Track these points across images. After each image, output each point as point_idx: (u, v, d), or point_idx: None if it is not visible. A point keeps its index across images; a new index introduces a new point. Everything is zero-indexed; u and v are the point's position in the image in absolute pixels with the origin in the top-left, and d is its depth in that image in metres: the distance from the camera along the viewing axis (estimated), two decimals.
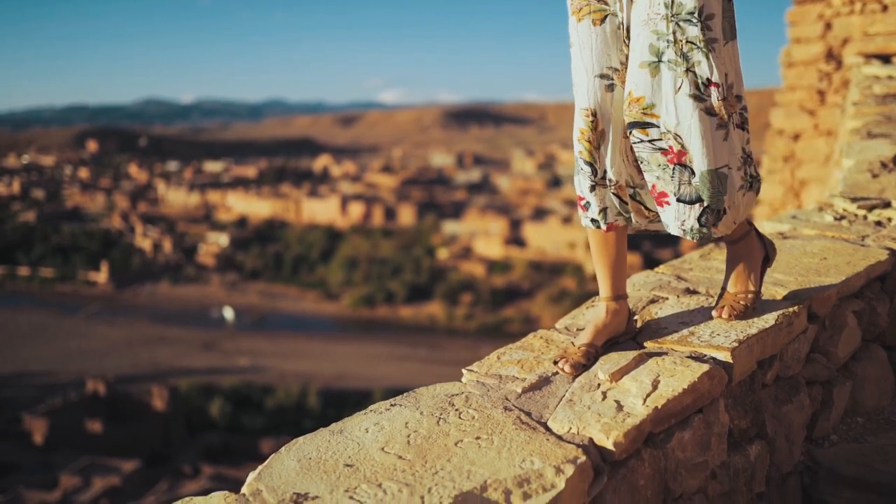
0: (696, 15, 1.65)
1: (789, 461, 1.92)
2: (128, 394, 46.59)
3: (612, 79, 1.77)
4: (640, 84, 1.68)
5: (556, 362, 1.79)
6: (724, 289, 1.94)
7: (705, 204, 1.72)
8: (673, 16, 1.66)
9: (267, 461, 1.54)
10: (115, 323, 68.86)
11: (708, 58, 1.66)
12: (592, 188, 1.82)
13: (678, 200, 1.73)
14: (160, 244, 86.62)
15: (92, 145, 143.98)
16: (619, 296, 1.91)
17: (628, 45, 1.76)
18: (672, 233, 1.79)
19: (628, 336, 1.93)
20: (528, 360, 1.87)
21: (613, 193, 1.83)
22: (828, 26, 5.92)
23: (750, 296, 1.89)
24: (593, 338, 1.85)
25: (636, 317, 2.01)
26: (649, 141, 1.70)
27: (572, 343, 1.88)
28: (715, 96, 1.67)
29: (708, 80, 1.67)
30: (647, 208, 1.87)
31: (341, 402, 48.89)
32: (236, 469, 35.94)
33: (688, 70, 1.66)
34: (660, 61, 1.67)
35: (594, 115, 1.76)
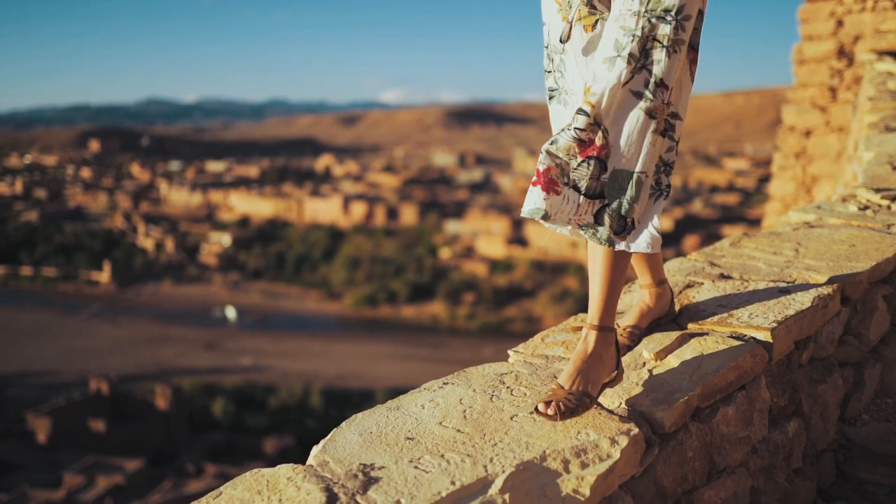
0: (672, 13, 1.57)
1: (824, 439, 1.99)
2: (131, 393, 46.68)
3: None
4: (597, 77, 1.60)
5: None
6: (559, 384, 1.61)
7: (605, 202, 1.61)
8: (646, 11, 1.57)
9: (329, 435, 1.60)
10: (117, 322, 68.96)
11: (669, 58, 1.58)
12: None
13: (584, 194, 1.60)
14: (162, 244, 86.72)
15: (94, 145, 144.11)
16: (661, 281, 1.94)
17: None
18: (563, 227, 1.66)
19: (669, 318, 1.97)
20: (572, 341, 1.94)
21: None
22: (839, 23, 5.97)
23: (586, 399, 1.57)
24: (638, 320, 1.90)
25: (673, 300, 2.07)
26: (575, 128, 1.59)
27: (617, 325, 1.91)
28: (661, 99, 1.59)
29: (661, 80, 1.58)
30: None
31: (344, 402, 48.97)
32: (239, 468, 35.93)
33: (643, 67, 1.58)
34: (618, 56, 1.58)
35: None
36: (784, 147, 6.58)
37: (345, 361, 59.79)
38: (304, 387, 50.68)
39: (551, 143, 1.62)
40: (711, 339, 1.81)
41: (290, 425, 44.82)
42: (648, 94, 1.58)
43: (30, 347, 60.59)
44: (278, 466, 1.53)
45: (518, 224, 77.90)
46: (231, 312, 72.89)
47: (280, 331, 68.52)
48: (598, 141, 1.58)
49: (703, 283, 2.16)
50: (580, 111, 1.59)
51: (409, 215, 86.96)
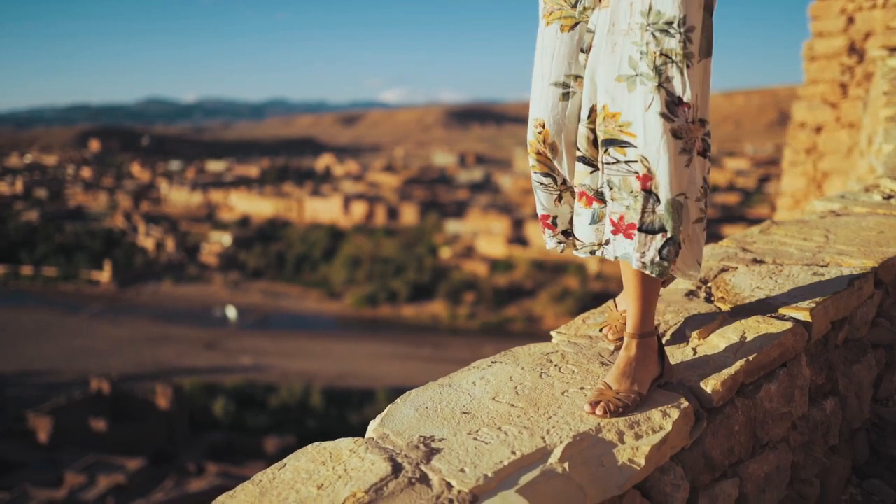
0: (675, 25, 1.50)
1: (859, 417, 2.05)
2: (132, 392, 46.69)
3: (571, 86, 1.63)
4: (616, 98, 1.54)
5: (601, 329, 1.84)
6: (607, 384, 1.63)
7: (668, 235, 1.56)
8: (649, 25, 1.51)
9: (385, 410, 1.65)
10: (118, 322, 68.95)
11: (682, 74, 1.51)
12: (560, 198, 1.69)
13: (640, 230, 1.57)
14: (163, 243, 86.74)
15: (94, 144, 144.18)
16: None
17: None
18: (634, 266, 1.61)
19: (665, 285, 1.98)
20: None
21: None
22: (850, 20, 6.04)
23: (633, 395, 1.59)
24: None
25: (710, 283, 2.12)
26: (626, 162, 1.55)
27: (614, 306, 1.92)
28: (684, 117, 1.53)
29: (679, 98, 1.52)
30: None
31: (344, 401, 49.08)
32: (240, 468, 36.02)
33: (660, 86, 1.51)
34: (637, 75, 1.52)
35: (543, 126, 1.64)
36: (794, 143, 6.65)
37: (345, 361, 59.82)
38: (305, 386, 50.72)
39: (609, 188, 1.58)
40: (753, 319, 1.87)
41: (291, 425, 44.87)
42: (670, 114, 1.52)
43: (30, 347, 60.60)
44: (338, 440, 1.57)
45: (518, 224, 77.98)
46: (231, 312, 72.90)
47: (280, 330, 68.54)
48: (642, 171, 1.55)
49: (737, 268, 2.22)
50: (625, 143, 1.55)
51: (409, 215, 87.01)
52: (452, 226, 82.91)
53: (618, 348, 1.84)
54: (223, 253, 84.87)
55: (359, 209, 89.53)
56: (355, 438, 1.56)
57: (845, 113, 6.19)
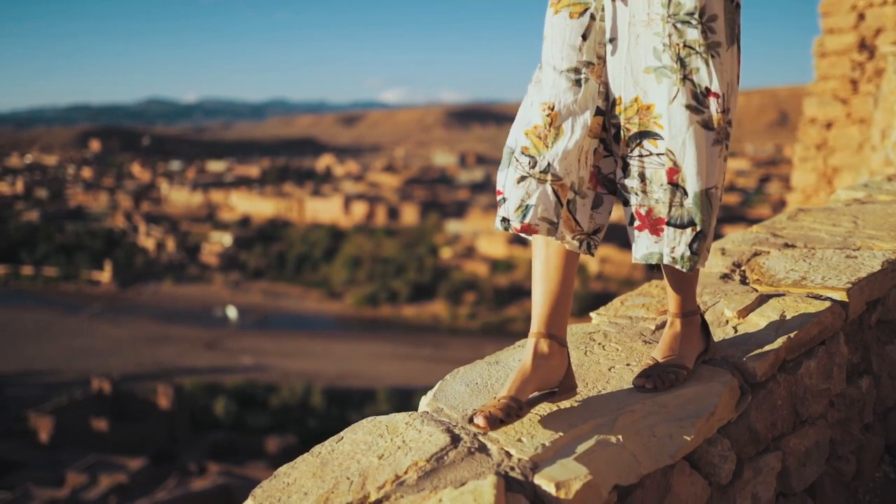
0: (695, 16, 1.49)
1: (892, 396, 2.09)
2: (132, 392, 46.69)
3: (582, 73, 1.59)
4: (648, 91, 1.54)
5: (471, 419, 1.49)
6: (654, 359, 1.67)
7: (698, 228, 1.55)
8: (670, 16, 1.50)
9: (436, 386, 1.69)
10: (118, 322, 68.94)
11: (708, 64, 1.50)
12: (521, 179, 1.58)
13: (668, 224, 1.56)
14: (163, 243, 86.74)
15: (95, 145, 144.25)
16: (553, 335, 1.59)
17: (607, 45, 1.58)
18: (665, 262, 1.59)
19: (566, 395, 1.58)
20: (651, 304, 2.03)
21: (553, 190, 1.57)
22: (861, 17, 6.09)
23: (682, 371, 1.62)
24: (516, 390, 1.52)
25: (743, 267, 2.16)
26: (657, 155, 1.55)
27: (494, 395, 1.64)
28: (714, 107, 1.52)
29: (707, 89, 1.51)
30: (576, 222, 1.62)
31: (345, 401, 49.07)
32: (242, 467, 36.03)
33: (685, 78, 1.51)
34: (662, 66, 1.52)
35: (552, 108, 1.60)
36: (805, 139, 6.71)
37: (346, 361, 59.83)
38: (306, 386, 50.71)
39: (641, 180, 1.57)
40: (790, 299, 1.91)
41: (292, 424, 44.86)
42: (699, 105, 1.52)
43: (31, 347, 60.60)
44: (392, 414, 1.61)
45: None
46: (232, 312, 72.91)
47: (281, 330, 68.53)
48: (668, 164, 1.55)
49: (769, 252, 2.27)
50: (655, 135, 1.55)
51: (409, 215, 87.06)
52: (453, 226, 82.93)
53: (659, 327, 1.88)
54: (224, 253, 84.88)
55: (359, 209, 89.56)
56: (409, 413, 1.60)
57: (856, 109, 6.25)
